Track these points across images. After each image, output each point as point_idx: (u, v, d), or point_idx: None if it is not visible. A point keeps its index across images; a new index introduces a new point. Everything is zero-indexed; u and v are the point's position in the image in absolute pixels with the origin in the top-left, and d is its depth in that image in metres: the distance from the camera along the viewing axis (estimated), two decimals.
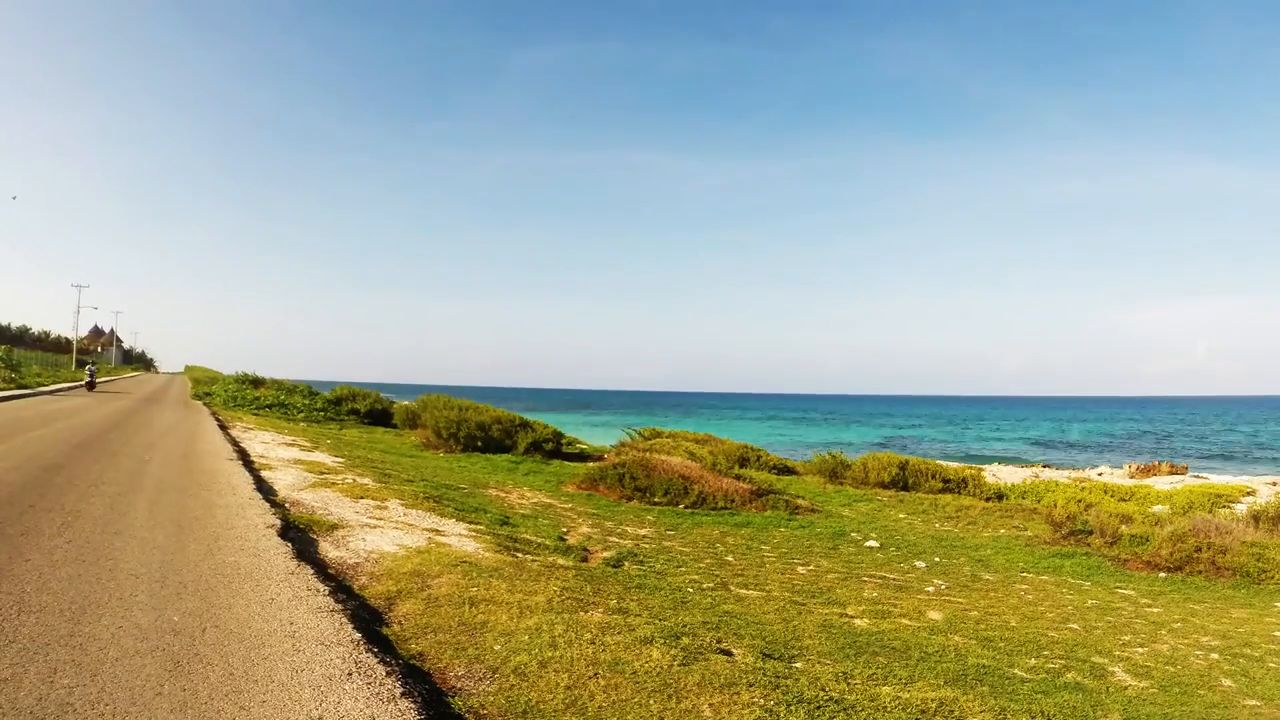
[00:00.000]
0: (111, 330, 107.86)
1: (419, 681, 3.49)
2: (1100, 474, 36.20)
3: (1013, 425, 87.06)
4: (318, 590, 4.69)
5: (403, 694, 3.22)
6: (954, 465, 22.97)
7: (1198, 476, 35.20)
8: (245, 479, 8.86)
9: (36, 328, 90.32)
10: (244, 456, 11.73)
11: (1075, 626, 7.50)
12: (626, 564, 8.60)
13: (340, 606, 4.47)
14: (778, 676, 4.00)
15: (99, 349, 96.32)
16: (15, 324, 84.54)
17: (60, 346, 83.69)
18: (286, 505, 7.73)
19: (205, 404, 27.05)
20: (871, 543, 12.49)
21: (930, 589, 9.16)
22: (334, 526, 6.99)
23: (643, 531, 11.53)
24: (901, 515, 16.35)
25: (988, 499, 18.57)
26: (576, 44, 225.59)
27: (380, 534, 6.94)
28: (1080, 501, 17.87)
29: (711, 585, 8.04)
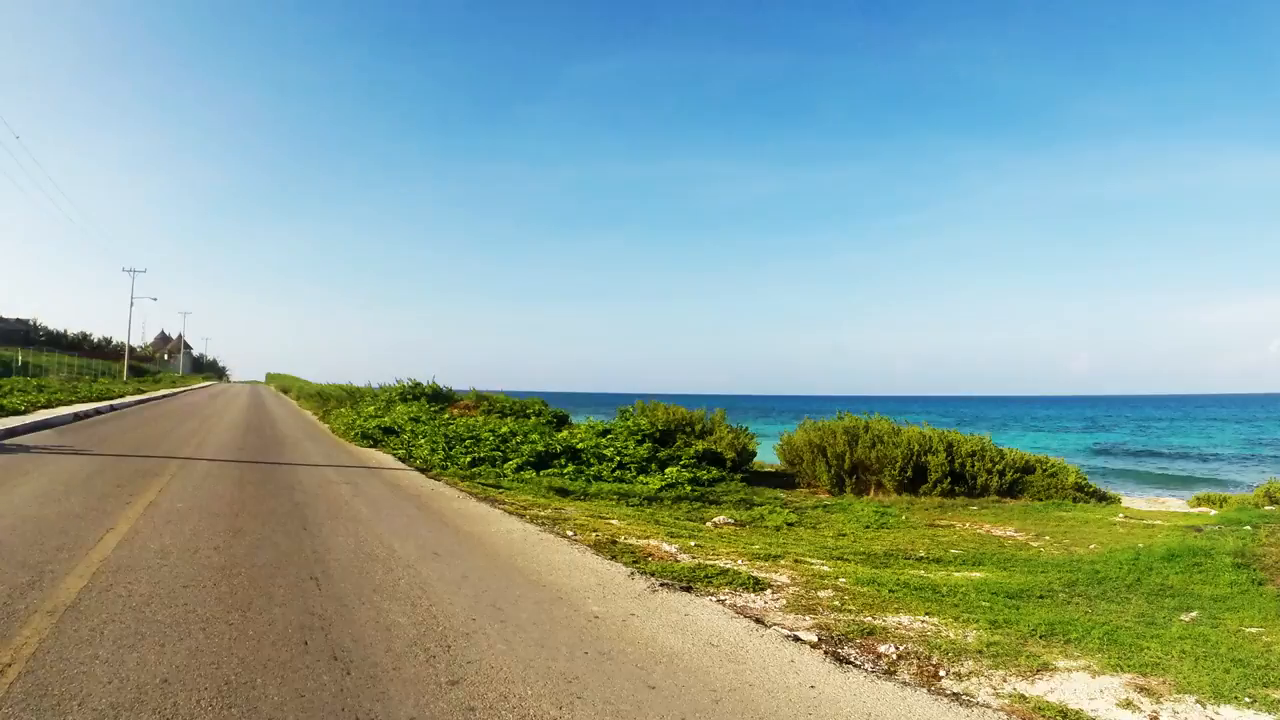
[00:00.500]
0: (179, 335, 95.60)
1: None
2: None
3: (1115, 429, 68.12)
4: None
5: None
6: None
7: None
8: None
9: (98, 334, 79.89)
10: None
11: None
12: None
13: None
14: None
15: (165, 356, 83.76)
16: (72, 330, 73.51)
17: (122, 354, 72.30)
18: None
19: (355, 443, 12.59)
20: None
21: None
22: None
23: None
24: None
25: None
26: (630, 55, 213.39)
27: None
28: None
29: None
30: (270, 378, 78.65)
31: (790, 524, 8.17)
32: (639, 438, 11.22)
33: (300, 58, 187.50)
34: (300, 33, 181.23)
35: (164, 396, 31.74)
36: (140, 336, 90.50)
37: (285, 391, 45.01)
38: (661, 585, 4.67)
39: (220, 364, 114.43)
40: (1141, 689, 3.25)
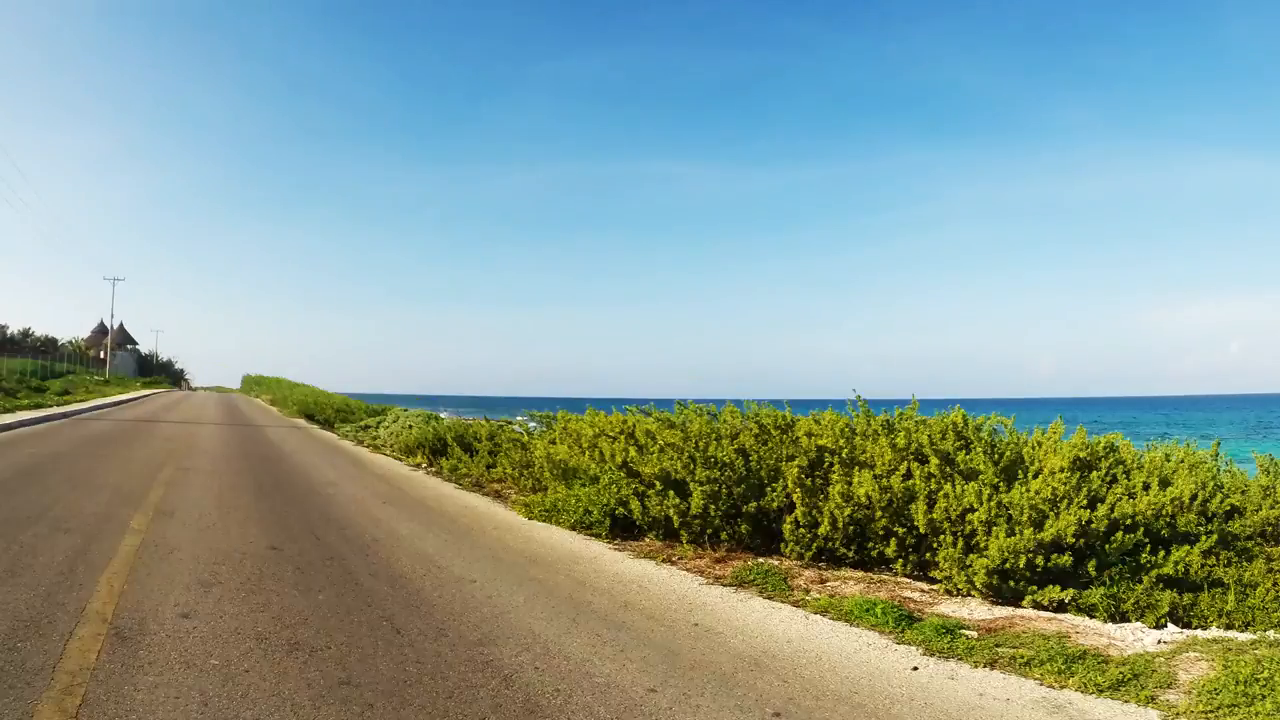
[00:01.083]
0: (119, 326, 79.68)
1: None
2: None
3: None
4: None
5: None
6: None
7: None
8: None
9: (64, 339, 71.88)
10: None
11: None
12: None
13: None
14: None
15: (99, 354, 74.85)
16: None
17: (76, 355, 64.67)
18: None
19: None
20: None
21: None
22: None
23: None
24: None
25: None
26: (596, 55, 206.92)
27: None
28: None
29: None
30: (250, 383, 68.46)
31: None
32: None
33: (270, 56, 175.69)
34: (273, 29, 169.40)
35: (43, 421, 20.88)
36: (77, 331, 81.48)
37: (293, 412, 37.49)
38: None
39: (177, 365, 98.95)
40: None
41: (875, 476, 6.20)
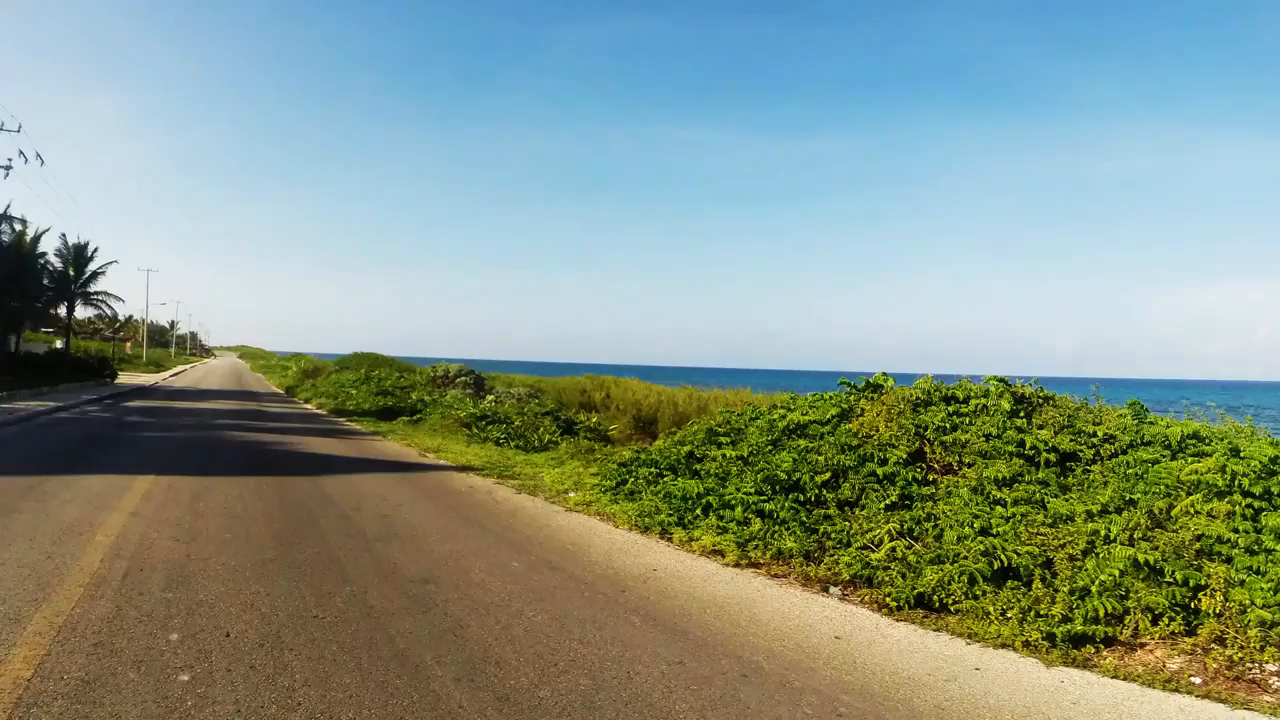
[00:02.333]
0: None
1: None
2: None
3: None
4: None
5: None
6: None
7: None
8: None
9: None
10: None
11: None
12: None
13: None
14: None
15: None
16: None
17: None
18: None
19: None
20: None
21: None
22: None
23: None
24: None
25: None
26: (622, 20, 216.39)
27: None
28: None
29: None
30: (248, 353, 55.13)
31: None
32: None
33: (288, 18, 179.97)
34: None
35: None
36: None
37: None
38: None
39: (179, 329, 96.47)
40: None
41: None
